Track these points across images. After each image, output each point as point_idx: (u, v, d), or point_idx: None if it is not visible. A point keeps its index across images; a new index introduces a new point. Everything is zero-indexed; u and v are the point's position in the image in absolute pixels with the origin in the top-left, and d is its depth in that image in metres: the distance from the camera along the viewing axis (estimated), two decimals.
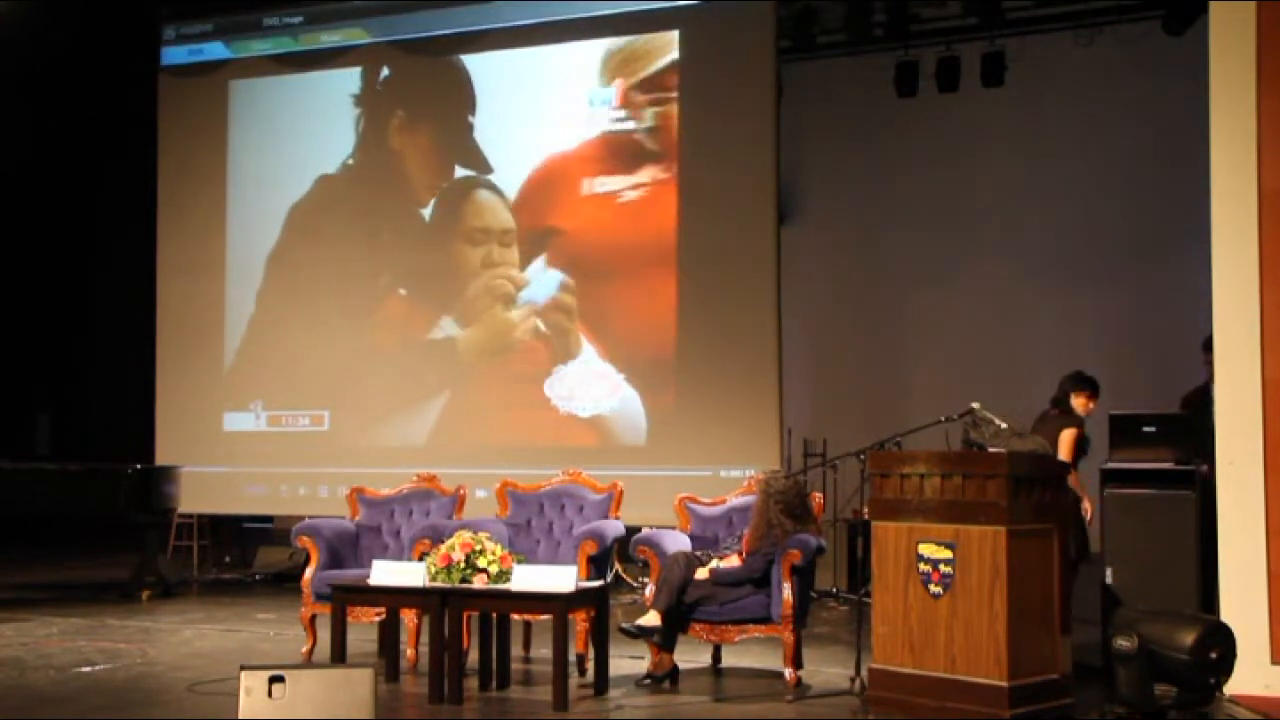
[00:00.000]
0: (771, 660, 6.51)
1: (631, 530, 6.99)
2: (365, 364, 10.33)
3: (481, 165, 10.15)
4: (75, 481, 9.29)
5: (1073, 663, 5.62)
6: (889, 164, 11.19)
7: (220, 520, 11.20)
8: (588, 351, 9.63)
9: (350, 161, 10.60)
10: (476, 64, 10.20)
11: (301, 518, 7.99)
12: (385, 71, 10.53)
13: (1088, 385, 7.06)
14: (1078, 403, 7.01)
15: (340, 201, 10.58)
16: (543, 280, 9.83)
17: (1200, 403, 6.97)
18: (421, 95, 10.42)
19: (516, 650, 6.52)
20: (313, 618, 6.85)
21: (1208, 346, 6.22)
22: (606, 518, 6.98)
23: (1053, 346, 10.59)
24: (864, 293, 11.42)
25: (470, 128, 10.22)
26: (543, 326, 9.78)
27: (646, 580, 7.20)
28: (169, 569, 9.81)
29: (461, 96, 10.25)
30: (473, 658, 6.18)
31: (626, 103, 9.70)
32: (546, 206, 9.90)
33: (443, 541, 6.05)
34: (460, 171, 10.23)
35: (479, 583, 5.75)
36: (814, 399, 11.23)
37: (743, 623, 6.14)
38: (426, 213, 10.32)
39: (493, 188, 10.09)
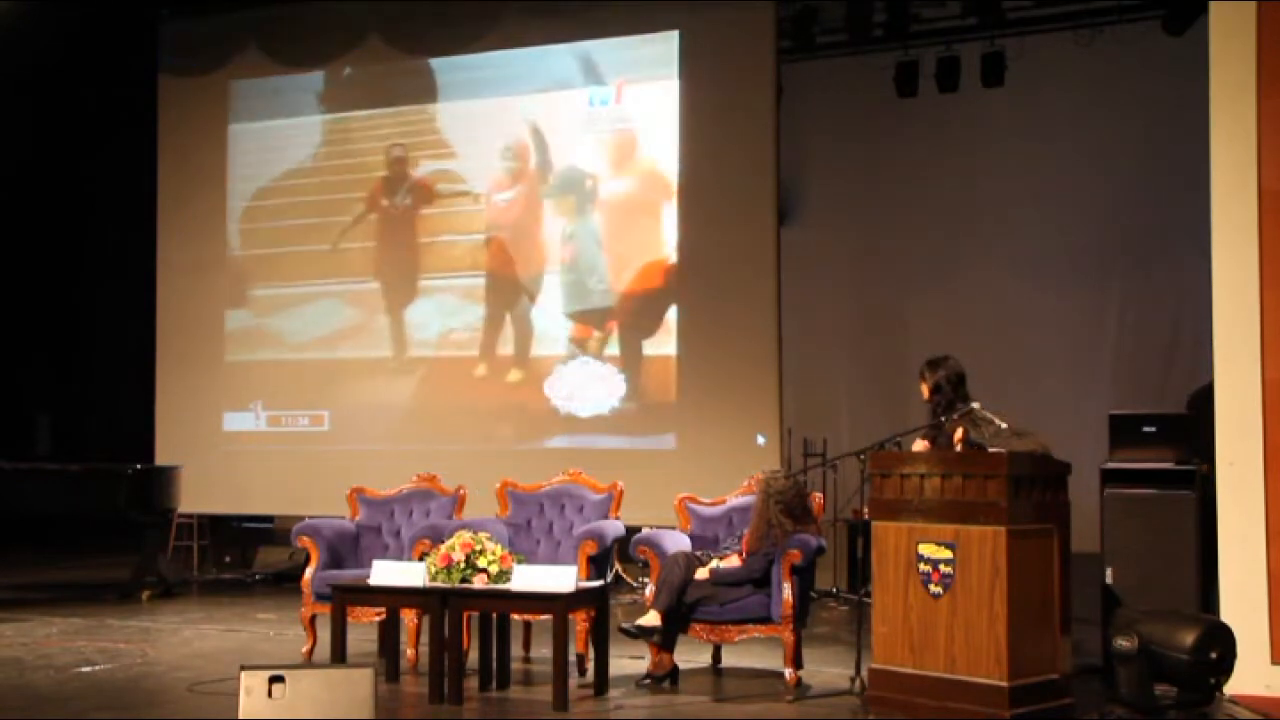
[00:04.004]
0: (771, 660, 6.51)
1: (631, 530, 6.99)
2: (365, 363, 10.33)
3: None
4: (75, 481, 9.27)
5: (1072, 663, 5.62)
6: (889, 164, 11.17)
7: (220, 520, 11.19)
8: (587, 352, 9.64)
9: (352, 160, 10.60)
10: (476, 63, 10.18)
11: (301, 518, 7.98)
12: (383, 71, 10.51)
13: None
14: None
15: (341, 199, 10.57)
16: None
17: (1207, 402, 6.95)
18: (420, 94, 10.40)
19: (516, 650, 6.52)
20: (313, 618, 6.85)
21: None
22: (606, 518, 6.98)
23: (1053, 346, 10.59)
24: (864, 292, 11.41)
25: (471, 126, 10.23)
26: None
27: (646, 580, 7.20)
28: (169, 569, 9.78)
29: (461, 95, 10.25)
30: (473, 658, 6.19)
31: (626, 102, 9.70)
32: (546, 206, 9.90)
33: (443, 541, 6.06)
34: (460, 169, 10.23)
35: (479, 583, 5.75)
36: (814, 399, 11.22)
37: (743, 623, 6.14)
38: (429, 210, 10.32)
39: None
